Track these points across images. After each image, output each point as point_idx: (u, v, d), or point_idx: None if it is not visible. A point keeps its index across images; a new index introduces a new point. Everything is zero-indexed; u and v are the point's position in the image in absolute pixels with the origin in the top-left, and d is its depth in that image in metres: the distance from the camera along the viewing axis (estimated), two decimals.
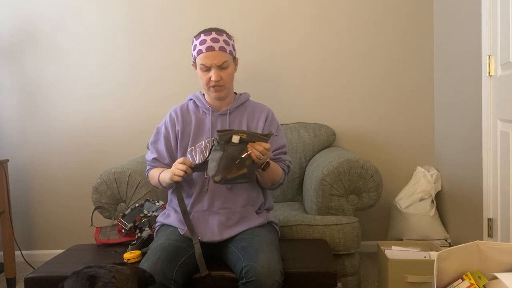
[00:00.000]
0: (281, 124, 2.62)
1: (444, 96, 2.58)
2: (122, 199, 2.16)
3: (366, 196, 2.03)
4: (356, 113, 2.78)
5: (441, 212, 2.63)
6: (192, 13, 2.78)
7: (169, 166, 1.72)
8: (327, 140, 2.61)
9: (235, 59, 1.71)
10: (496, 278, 1.22)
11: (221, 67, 1.63)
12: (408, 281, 1.88)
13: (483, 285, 1.23)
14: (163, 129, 1.76)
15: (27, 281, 1.61)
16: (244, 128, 1.71)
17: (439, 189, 2.60)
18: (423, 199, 2.53)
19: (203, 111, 1.73)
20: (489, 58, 1.98)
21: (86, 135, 2.87)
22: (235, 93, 1.80)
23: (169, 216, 1.73)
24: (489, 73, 1.98)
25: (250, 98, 1.82)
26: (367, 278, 2.40)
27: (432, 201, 2.55)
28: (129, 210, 1.94)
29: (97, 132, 2.87)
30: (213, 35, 1.62)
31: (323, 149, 2.58)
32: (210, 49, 1.60)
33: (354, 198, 2.04)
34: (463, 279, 1.25)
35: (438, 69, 2.67)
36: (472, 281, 1.23)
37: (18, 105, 2.88)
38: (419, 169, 2.62)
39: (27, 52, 2.85)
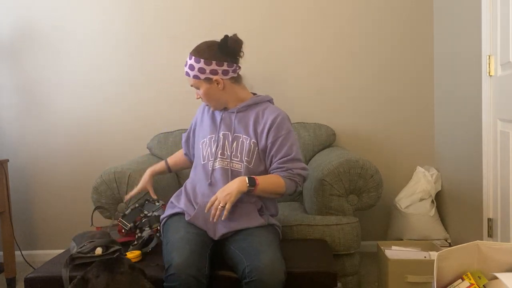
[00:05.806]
0: None
1: (444, 96, 2.58)
2: (122, 199, 2.15)
3: (366, 196, 2.03)
4: (356, 113, 2.78)
5: (441, 212, 2.63)
6: (192, 13, 2.77)
7: (183, 155, 2.00)
8: (327, 140, 2.60)
9: (209, 80, 1.70)
10: (496, 278, 1.23)
11: (195, 87, 1.76)
12: (408, 281, 1.89)
13: (483, 285, 1.23)
14: (192, 122, 1.94)
15: (27, 281, 1.61)
16: (251, 128, 1.73)
17: (439, 189, 2.60)
18: (423, 199, 2.53)
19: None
20: (489, 58, 1.98)
21: (86, 135, 2.87)
22: (254, 94, 1.83)
23: (180, 198, 1.79)
24: (489, 73, 1.98)
25: (272, 102, 1.83)
26: (367, 278, 2.40)
27: (432, 201, 2.55)
28: (129, 210, 1.94)
29: (97, 132, 2.87)
30: (187, 58, 1.74)
31: (323, 149, 2.58)
32: (185, 72, 1.76)
33: (354, 198, 2.04)
34: (463, 279, 1.25)
35: (438, 69, 2.67)
36: (472, 281, 1.23)
37: (18, 105, 2.88)
38: (419, 169, 2.62)
39: (27, 52, 2.85)
